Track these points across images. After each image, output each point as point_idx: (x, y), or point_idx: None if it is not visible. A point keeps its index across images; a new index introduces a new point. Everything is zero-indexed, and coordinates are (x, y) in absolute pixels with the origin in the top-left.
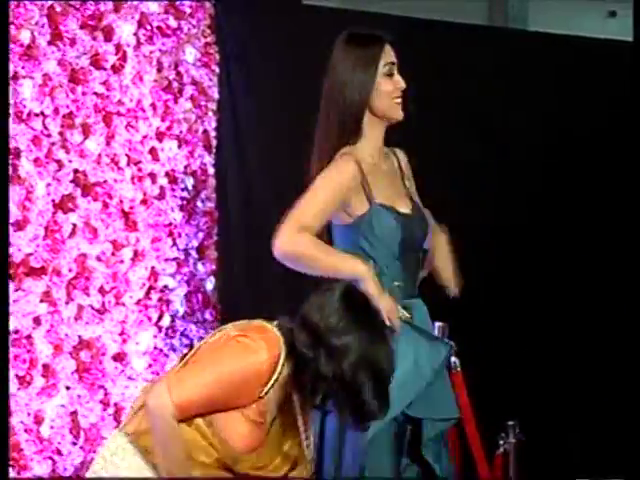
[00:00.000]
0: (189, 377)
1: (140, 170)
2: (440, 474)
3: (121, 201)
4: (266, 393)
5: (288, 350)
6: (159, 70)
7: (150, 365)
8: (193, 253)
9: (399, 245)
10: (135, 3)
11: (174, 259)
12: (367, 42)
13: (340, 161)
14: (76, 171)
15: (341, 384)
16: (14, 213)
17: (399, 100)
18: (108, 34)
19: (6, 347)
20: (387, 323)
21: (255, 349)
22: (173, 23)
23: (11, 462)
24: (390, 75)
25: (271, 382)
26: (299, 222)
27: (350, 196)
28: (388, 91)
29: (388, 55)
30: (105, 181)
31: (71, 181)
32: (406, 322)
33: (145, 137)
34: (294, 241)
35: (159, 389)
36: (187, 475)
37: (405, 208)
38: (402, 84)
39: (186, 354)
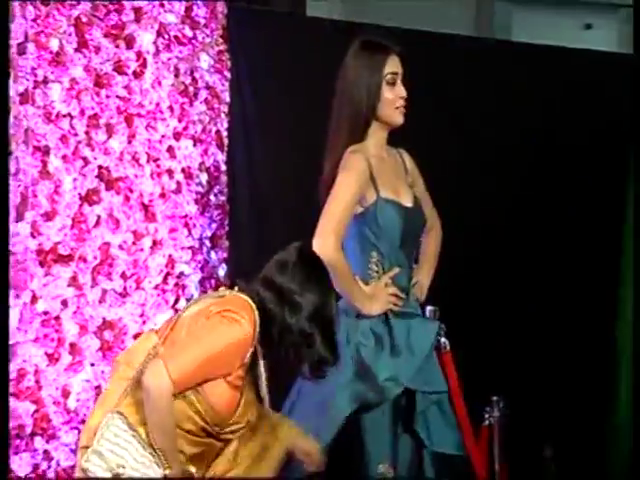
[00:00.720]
0: (184, 354)
1: (159, 166)
2: (427, 443)
3: (141, 195)
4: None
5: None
6: (176, 75)
7: None
8: (207, 242)
9: (400, 235)
10: (154, 14)
11: (189, 247)
12: (375, 50)
13: (352, 158)
14: (100, 167)
15: (301, 335)
16: (44, 205)
17: (400, 107)
18: (130, 42)
19: (6, 349)
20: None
21: (240, 322)
22: (189, 33)
23: (40, 432)
24: (392, 84)
25: (253, 347)
26: (333, 226)
27: (365, 188)
28: (389, 99)
29: (392, 65)
30: (127, 176)
31: (96, 176)
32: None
33: (163, 136)
34: (333, 252)
35: (157, 369)
36: (176, 444)
37: (407, 201)
38: (403, 93)
39: (163, 327)
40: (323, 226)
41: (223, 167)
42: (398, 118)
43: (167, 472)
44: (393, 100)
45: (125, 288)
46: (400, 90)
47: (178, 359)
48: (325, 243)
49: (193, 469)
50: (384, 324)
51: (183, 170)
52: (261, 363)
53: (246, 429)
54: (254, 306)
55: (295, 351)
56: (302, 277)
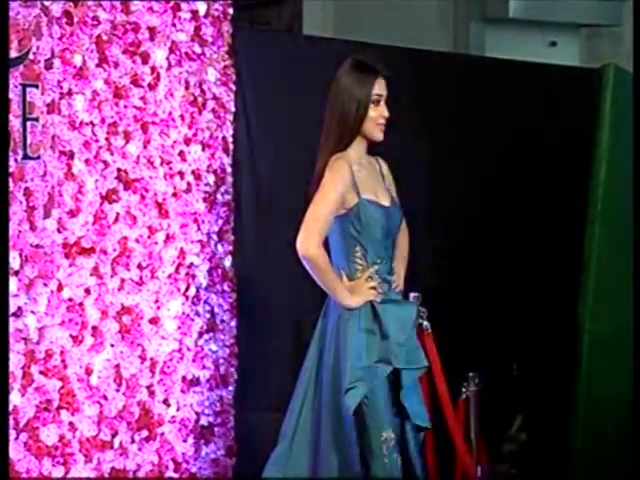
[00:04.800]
0: None
1: (171, 169)
2: (410, 414)
3: (155, 194)
4: None
5: None
6: (186, 88)
7: (179, 327)
8: (214, 236)
9: (381, 231)
10: (167, 33)
11: (198, 241)
12: (366, 70)
13: (336, 165)
14: (119, 170)
15: None
16: (69, 204)
17: (381, 125)
18: (145, 58)
19: (6, 350)
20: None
21: None
22: (198, 49)
23: (66, 405)
24: (377, 103)
25: None
26: (317, 225)
27: (346, 192)
28: (373, 117)
29: (379, 87)
30: (142, 178)
31: (115, 178)
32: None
33: (175, 142)
34: (315, 250)
35: None
36: None
37: (386, 202)
38: (385, 113)
39: None
40: (306, 227)
41: (228, 169)
42: (379, 135)
43: None
44: (376, 118)
45: (141, 277)
46: (383, 110)
47: None
48: (307, 242)
49: None
50: (372, 313)
51: (193, 172)
52: None
53: None
54: None
55: None
56: None
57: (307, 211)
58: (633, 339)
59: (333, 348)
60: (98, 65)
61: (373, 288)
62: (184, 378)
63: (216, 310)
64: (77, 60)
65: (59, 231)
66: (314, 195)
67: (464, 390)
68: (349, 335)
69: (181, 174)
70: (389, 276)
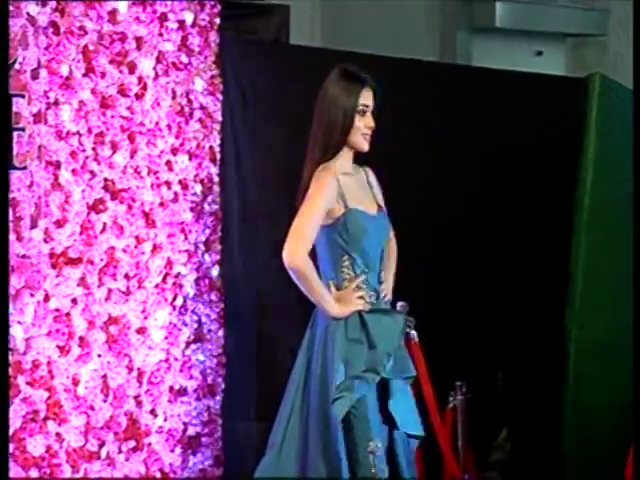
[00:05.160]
0: None
1: (158, 179)
2: (398, 424)
3: (142, 204)
4: None
5: None
6: (173, 97)
7: (166, 337)
8: (201, 246)
9: (368, 240)
10: (154, 43)
11: (186, 251)
12: (353, 80)
13: (322, 175)
14: (106, 179)
15: None
16: (56, 214)
17: (367, 136)
18: (132, 68)
19: (6, 351)
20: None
21: None
22: (185, 59)
23: (53, 416)
24: (363, 114)
25: None
26: (303, 236)
27: (332, 202)
28: (358, 127)
29: (366, 97)
30: (129, 187)
31: (102, 187)
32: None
33: (162, 152)
34: (302, 262)
35: None
36: None
37: (373, 211)
38: (371, 123)
39: None
40: (292, 237)
41: (216, 179)
42: (364, 145)
43: None
44: (361, 128)
45: (128, 287)
46: (369, 120)
47: None
48: (293, 253)
49: None
50: (360, 322)
51: (180, 182)
52: None
53: None
54: None
55: None
56: None
57: (293, 222)
58: (633, 343)
59: (321, 358)
60: (85, 75)
61: (361, 298)
62: (171, 388)
63: (203, 320)
64: (64, 70)
65: (46, 241)
66: (300, 205)
67: (451, 399)
68: (337, 345)
69: (168, 184)
70: (377, 285)
